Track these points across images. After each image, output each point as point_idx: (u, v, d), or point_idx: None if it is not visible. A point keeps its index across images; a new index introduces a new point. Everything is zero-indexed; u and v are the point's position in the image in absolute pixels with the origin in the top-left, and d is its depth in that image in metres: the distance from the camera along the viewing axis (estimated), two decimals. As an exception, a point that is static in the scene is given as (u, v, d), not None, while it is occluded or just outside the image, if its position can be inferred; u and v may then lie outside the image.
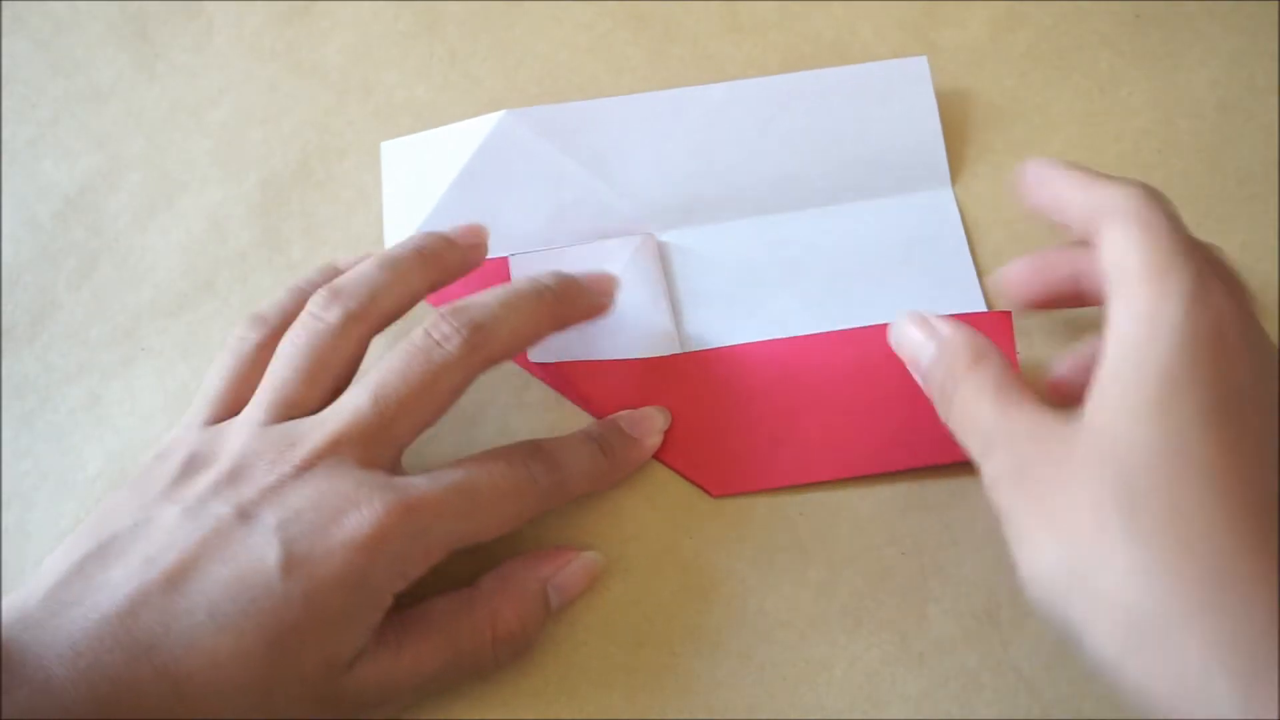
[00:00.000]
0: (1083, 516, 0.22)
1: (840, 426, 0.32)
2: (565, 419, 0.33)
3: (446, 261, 0.31)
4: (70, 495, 0.33)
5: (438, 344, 0.28)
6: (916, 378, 0.29)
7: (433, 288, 0.31)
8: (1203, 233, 0.35)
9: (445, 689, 0.29)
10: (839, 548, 0.31)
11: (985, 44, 0.38)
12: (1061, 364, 0.30)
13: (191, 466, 0.27)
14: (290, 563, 0.25)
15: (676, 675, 0.30)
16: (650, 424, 0.32)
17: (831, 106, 0.36)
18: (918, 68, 0.36)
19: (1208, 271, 0.24)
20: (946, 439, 0.28)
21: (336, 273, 0.31)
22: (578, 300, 0.31)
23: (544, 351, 0.33)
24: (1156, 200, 0.25)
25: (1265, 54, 0.38)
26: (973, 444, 0.26)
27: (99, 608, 0.24)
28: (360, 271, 0.30)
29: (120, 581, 0.25)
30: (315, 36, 0.39)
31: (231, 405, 0.29)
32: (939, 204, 0.36)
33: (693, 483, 0.32)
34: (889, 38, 0.38)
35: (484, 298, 0.29)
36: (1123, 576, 0.21)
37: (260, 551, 0.25)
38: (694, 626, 0.31)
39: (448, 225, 0.33)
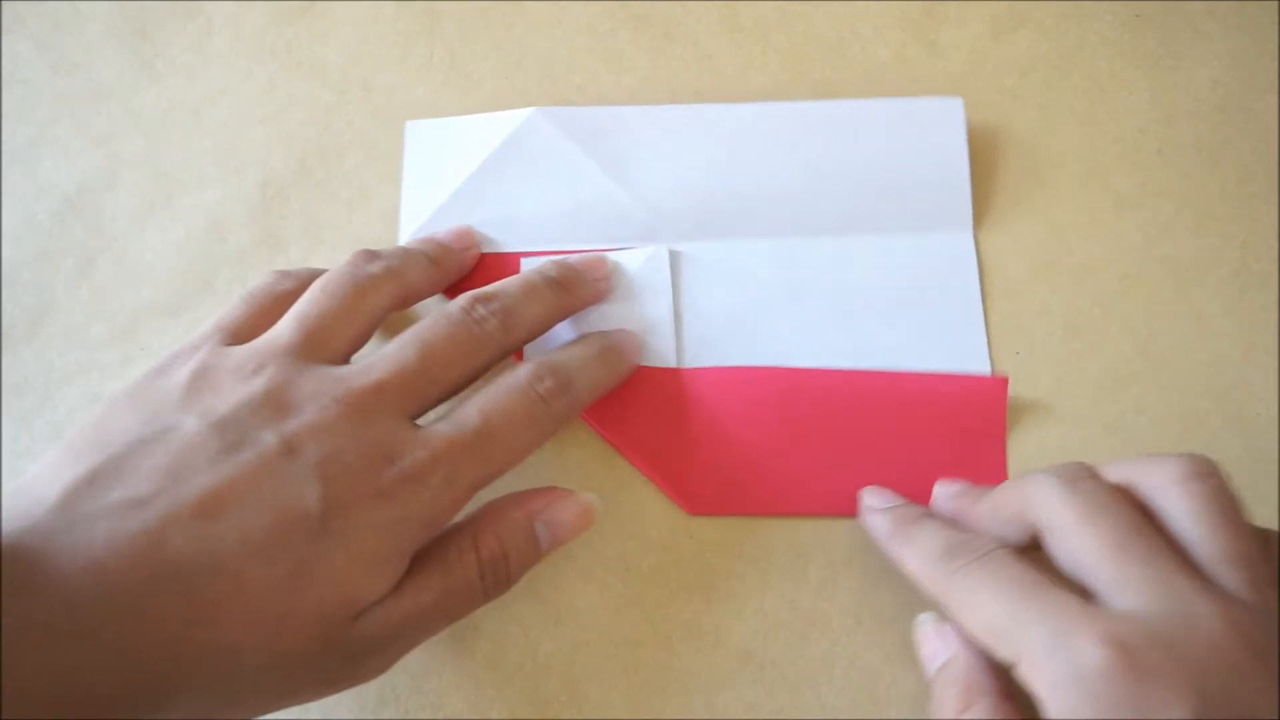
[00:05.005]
0: None
1: (823, 465, 0.32)
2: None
3: (448, 266, 0.33)
4: (69, 495, 0.33)
5: (477, 322, 0.29)
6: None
7: (436, 288, 0.33)
8: (1202, 233, 0.35)
9: (445, 625, 0.28)
10: (839, 548, 0.31)
11: (985, 44, 0.38)
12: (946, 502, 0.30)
13: (207, 378, 0.27)
14: (329, 502, 0.25)
15: (676, 675, 0.30)
16: (631, 342, 0.33)
17: (861, 137, 0.35)
18: (953, 108, 0.36)
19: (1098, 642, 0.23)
20: (929, 495, 0.30)
21: None
22: (581, 290, 0.33)
23: (540, 352, 0.33)
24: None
25: (1265, 54, 0.38)
26: None
27: (124, 525, 0.24)
28: (390, 249, 0.32)
29: (147, 498, 0.24)
30: (315, 36, 0.39)
31: (247, 336, 0.29)
32: (957, 248, 0.35)
33: (669, 499, 0.32)
34: (889, 38, 0.38)
35: (509, 287, 0.31)
36: None
37: (300, 487, 0.25)
38: (694, 626, 0.31)
39: (464, 213, 0.35)
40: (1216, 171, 0.36)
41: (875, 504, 0.30)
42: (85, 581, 0.23)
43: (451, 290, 0.34)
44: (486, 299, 0.30)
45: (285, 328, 0.29)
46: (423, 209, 0.36)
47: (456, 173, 0.36)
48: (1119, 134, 0.37)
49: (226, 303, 0.35)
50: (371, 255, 0.31)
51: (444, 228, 0.35)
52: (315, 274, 0.31)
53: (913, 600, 0.30)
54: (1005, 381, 0.32)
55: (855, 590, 0.31)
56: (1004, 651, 0.24)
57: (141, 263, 0.36)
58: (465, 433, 0.27)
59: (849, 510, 0.31)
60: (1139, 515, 0.25)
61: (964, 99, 0.36)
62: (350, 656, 0.26)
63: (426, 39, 0.39)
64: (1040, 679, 0.23)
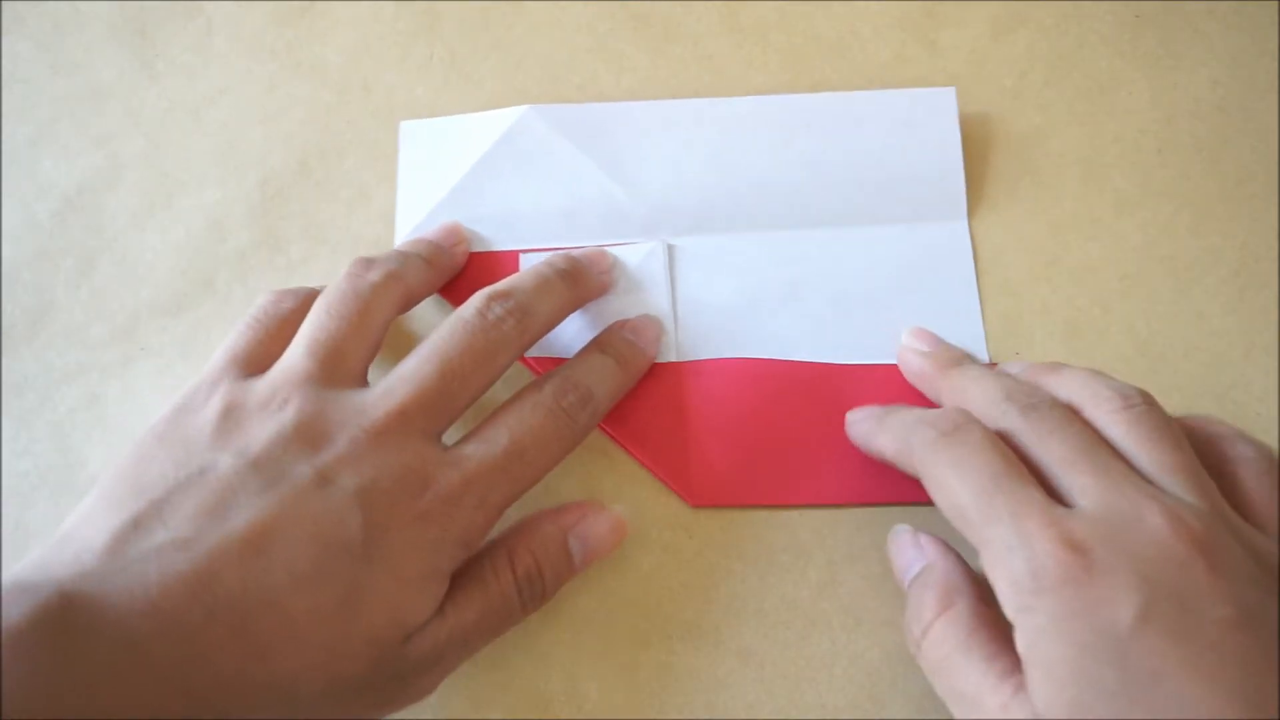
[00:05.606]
0: None
1: (822, 455, 0.32)
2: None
3: (442, 265, 0.33)
4: (70, 495, 0.33)
5: (493, 325, 0.29)
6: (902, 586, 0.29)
7: (433, 288, 0.33)
8: (1202, 233, 0.35)
9: (486, 643, 0.28)
10: (839, 548, 0.31)
11: (985, 44, 0.38)
12: None
13: (235, 415, 0.27)
14: (371, 528, 0.25)
15: (676, 674, 0.30)
16: (651, 332, 0.33)
17: (855, 129, 0.36)
18: (945, 98, 0.36)
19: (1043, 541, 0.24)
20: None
21: None
22: (589, 282, 0.33)
23: (542, 347, 0.33)
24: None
25: (1265, 54, 0.38)
26: (940, 689, 0.26)
27: (174, 566, 0.24)
28: (384, 253, 0.32)
29: (192, 538, 0.24)
30: (315, 36, 0.39)
31: (261, 363, 0.29)
32: (952, 236, 0.35)
33: (672, 490, 0.32)
34: (889, 38, 0.38)
35: (522, 282, 0.31)
36: None
37: (341, 516, 0.25)
38: (694, 625, 0.31)
39: (459, 212, 0.35)
40: (1216, 171, 0.36)
41: (855, 417, 0.31)
42: (142, 623, 0.23)
43: (447, 288, 0.34)
44: (502, 296, 0.30)
45: (300, 355, 0.28)
46: (418, 209, 0.36)
47: (451, 172, 0.36)
48: (1119, 134, 0.37)
49: (227, 303, 0.35)
50: (369, 263, 0.31)
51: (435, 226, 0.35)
52: (314, 292, 0.31)
53: (913, 600, 0.30)
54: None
55: (855, 590, 0.31)
56: (970, 536, 0.26)
57: (141, 263, 0.36)
58: (495, 454, 0.28)
59: (848, 499, 0.31)
60: (1091, 434, 0.26)
61: (964, 99, 0.36)
62: (401, 678, 0.26)
63: (426, 39, 0.39)
64: (999, 575, 0.24)
